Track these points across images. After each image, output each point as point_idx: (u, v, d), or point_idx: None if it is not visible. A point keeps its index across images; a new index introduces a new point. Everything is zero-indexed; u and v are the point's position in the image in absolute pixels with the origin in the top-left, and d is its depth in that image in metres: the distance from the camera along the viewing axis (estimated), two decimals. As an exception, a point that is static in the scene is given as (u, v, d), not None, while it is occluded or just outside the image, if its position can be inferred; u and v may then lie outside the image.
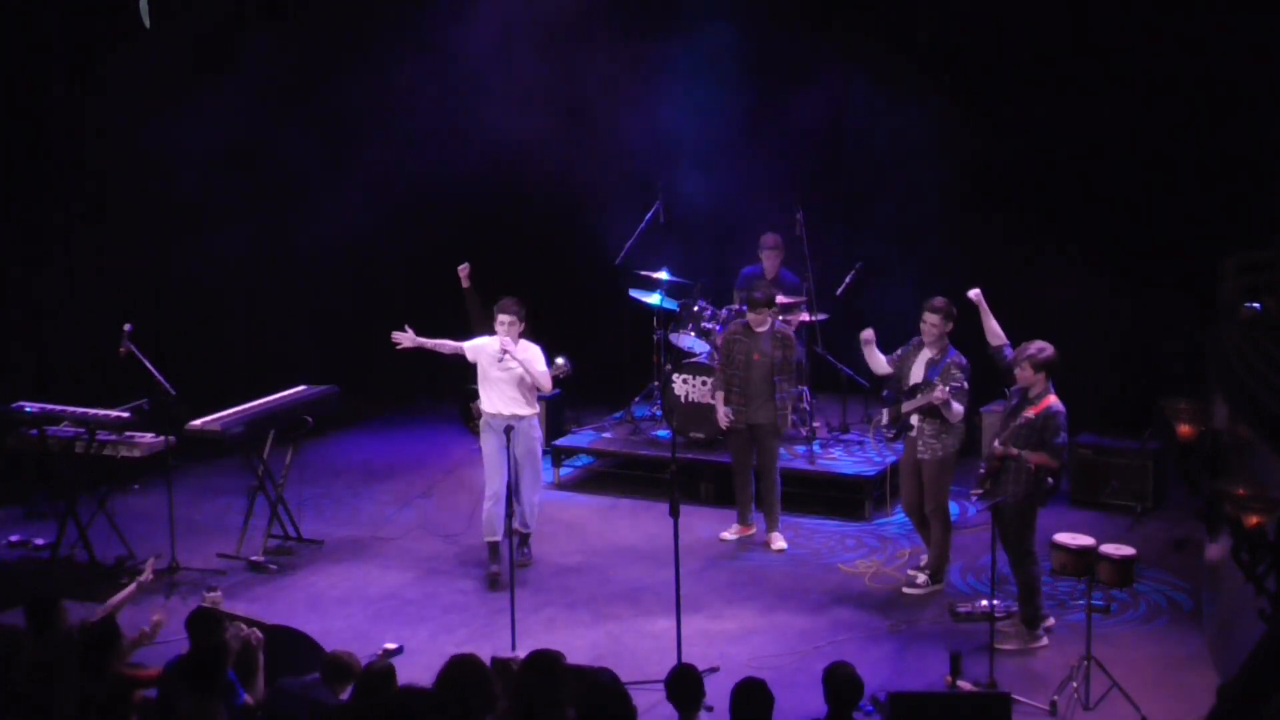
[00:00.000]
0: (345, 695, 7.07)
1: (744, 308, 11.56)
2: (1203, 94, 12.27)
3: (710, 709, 7.75)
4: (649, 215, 13.36)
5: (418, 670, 7.66)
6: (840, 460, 12.48)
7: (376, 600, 10.55)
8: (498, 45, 14.12)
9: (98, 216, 13.39)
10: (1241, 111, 11.98)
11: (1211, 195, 12.21)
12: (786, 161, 13.91)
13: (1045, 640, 9.59)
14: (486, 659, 6.94)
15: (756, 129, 14.08)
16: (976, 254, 13.13)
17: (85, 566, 10.81)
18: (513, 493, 10.63)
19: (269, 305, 14.81)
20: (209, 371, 13.07)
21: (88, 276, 13.37)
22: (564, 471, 13.09)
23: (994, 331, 10.02)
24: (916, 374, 10.34)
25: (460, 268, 11.68)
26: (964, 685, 8.80)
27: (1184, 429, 7.90)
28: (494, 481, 10.78)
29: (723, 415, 11.45)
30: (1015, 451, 9.40)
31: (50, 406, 11.06)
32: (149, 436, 10.90)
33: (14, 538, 11.54)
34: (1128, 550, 9.01)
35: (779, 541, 11.39)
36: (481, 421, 10.89)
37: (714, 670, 8.92)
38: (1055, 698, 8.71)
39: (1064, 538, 9.15)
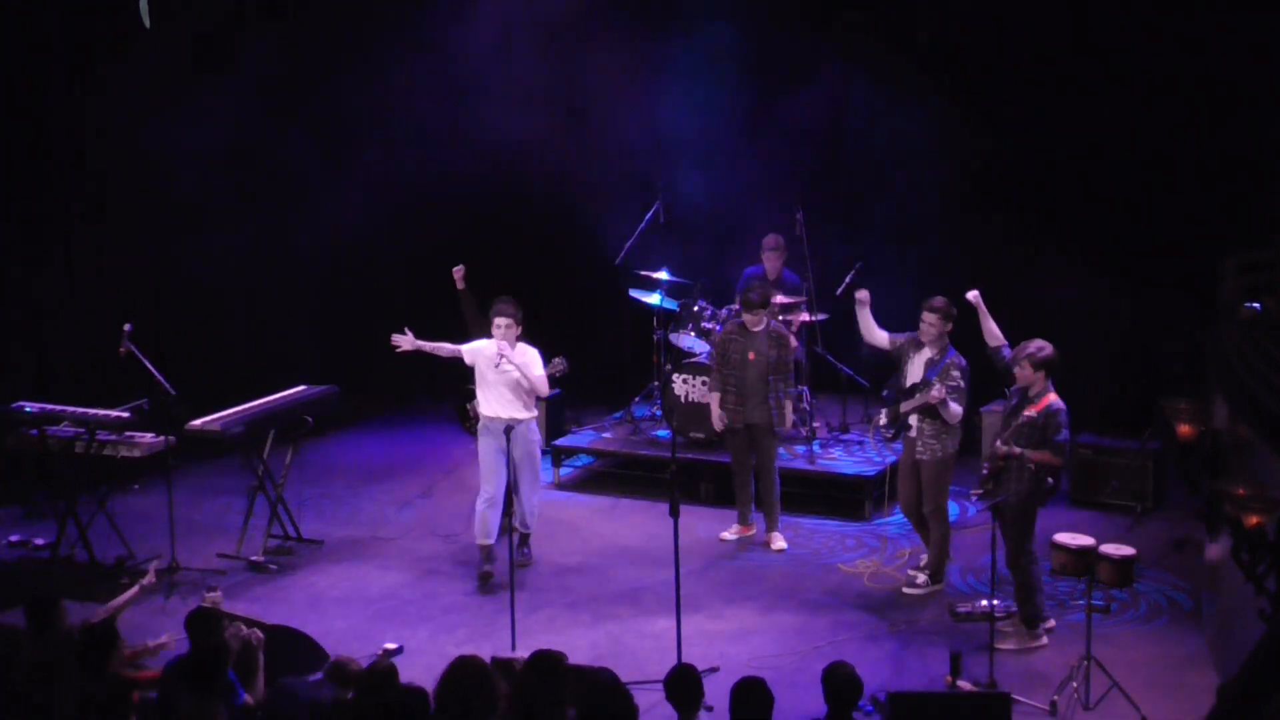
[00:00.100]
0: (347, 698, 7.07)
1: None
2: (1203, 94, 12.27)
3: (710, 709, 7.75)
4: (649, 215, 13.36)
5: (418, 670, 7.66)
6: (840, 460, 12.48)
7: (376, 600, 10.55)
8: (498, 45, 14.12)
9: (98, 216, 13.39)
10: (1241, 111, 11.99)
11: (1211, 195, 12.21)
12: (787, 161, 13.93)
13: (1045, 640, 9.59)
14: (486, 659, 6.94)
15: (756, 129, 14.09)
16: (976, 254, 13.13)
17: (85, 566, 10.81)
18: (512, 493, 10.61)
19: (269, 305, 14.81)
20: (209, 371, 13.07)
21: (88, 276, 13.37)
22: (564, 471, 13.09)
23: (992, 332, 10.02)
24: (915, 374, 10.34)
25: (455, 270, 11.66)
26: (964, 685, 8.80)
27: (1184, 429, 7.91)
28: (488, 484, 10.74)
29: (716, 419, 11.46)
30: (1018, 451, 9.40)
31: (50, 406, 11.06)
32: (149, 436, 10.90)
33: (14, 538, 11.54)
34: (1128, 550, 9.01)
35: (779, 541, 11.39)
36: (479, 424, 10.86)
37: (714, 670, 8.92)
38: (1055, 698, 8.71)
39: (1064, 538, 9.15)
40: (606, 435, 13.33)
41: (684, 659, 8.46)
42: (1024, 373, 9.53)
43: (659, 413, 13.10)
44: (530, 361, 10.68)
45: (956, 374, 10.13)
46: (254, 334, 14.67)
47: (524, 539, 11.05)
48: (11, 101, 12.68)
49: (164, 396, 10.70)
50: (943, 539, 10.53)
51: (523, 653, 7.20)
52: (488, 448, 10.74)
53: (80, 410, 10.90)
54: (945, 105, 13.28)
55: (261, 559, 11.08)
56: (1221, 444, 8.81)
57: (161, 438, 10.88)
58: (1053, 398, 9.47)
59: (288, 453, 11.50)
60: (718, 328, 12.47)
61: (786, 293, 12.70)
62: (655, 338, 13.27)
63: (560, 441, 13.21)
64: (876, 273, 13.19)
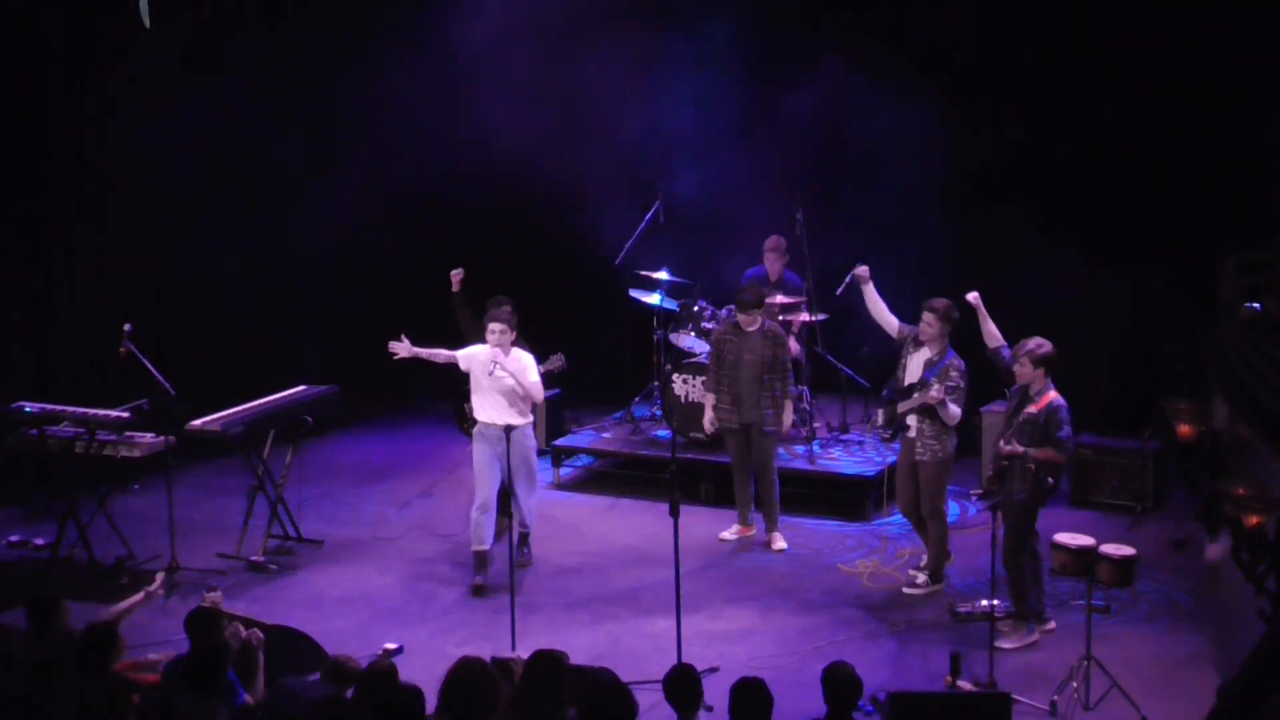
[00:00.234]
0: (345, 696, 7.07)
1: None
2: (1203, 94, 12.27)
3: (710, 709, 7.75)
4: (649, 215, 13.36)
5: (418, 670, 7.65)
6: (840, 460, 12.47)
7: (376, 600, 10.55)
8: (497, 45, 14.11)
9: (98, 216, 13.39)
10: (1241, 111, 11.98)
11: (1211, 195, 12.21)
12: (786, 160, 13.92)
13: (1035, 636, 9.60)
14: (486, 659, 6.94)
15: (756, 127, 14.08)
16: (976, 253, 13.13)
17: (85, 566, 10.81)
18: (509, 496, 10.58)
19: (269, 305, 14.81)
20: (209, 371, 13.07)
21: (88, 276, 13.37)
22: (564, 471, 13.08)
23: (992, 334, 10.04)
24: (913, 373, 10.35)
25: (454, 273, 11.64)
26: (964, 685, 8.79)
27: (1184, 429, 7.91)
28: (482, 490, 10.67)
29: (708, 421, 11.48)
30: (1021, 449, 9.40)
31: (50, 406, 11.06)
32: (149, 436, 10.90)
33: (14, 538, 11.53)
34: (1128, 550, 9.01)
35: (779, 541, 11.39)
36: (474, 429, 10.80)
37: (714, 670, 8.93)
38: (1055, 698, 8.71)
39: (1064, 538, 9.15)
40: (606, 435, 13.33)
41: (684, 659, 8.46)
42: (1024, 370, 9.54)
43: (659, 413, 13.10)
44: (525, 367, 10.62)
45: (955, 375, 10.13)
46: (254, 334, 14.67)
47: (524, 538, 11.04)
48: (11, 101, 12.68)
49: (164, 396, 10.70)
50: (942, 539, 10.53)
51: (523, 653, 7.20)
52: (482, 453, 10.68)
53: (80, 410, 10.90)
54: (945, 104, 13.28)
55: (261, 559, 11.08)
56: (1221, 444, 8.80)
57: (161, 438, 10.88)
58: (1053, 395, 9.48)
59: (288, 453, 11.50)
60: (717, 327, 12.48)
61: (789, 294, 12.70)
62: (655, 338, 13.27)
63: (560, 441, 13.21)
64: (876, 272, 13.19)
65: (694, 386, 12.42)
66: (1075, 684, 8.73)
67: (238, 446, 11.33)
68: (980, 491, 12.17)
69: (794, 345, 12.66)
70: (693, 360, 12.57)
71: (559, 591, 10.64)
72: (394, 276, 15.04)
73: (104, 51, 13.03)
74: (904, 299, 10.94)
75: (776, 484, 11.43)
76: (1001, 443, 9.57)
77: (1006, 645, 9.41)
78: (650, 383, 13.51)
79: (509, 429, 10.37)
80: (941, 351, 10.26)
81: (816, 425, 12.77)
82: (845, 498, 12.14)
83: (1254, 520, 6.64)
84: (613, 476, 13.11)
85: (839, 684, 6.78)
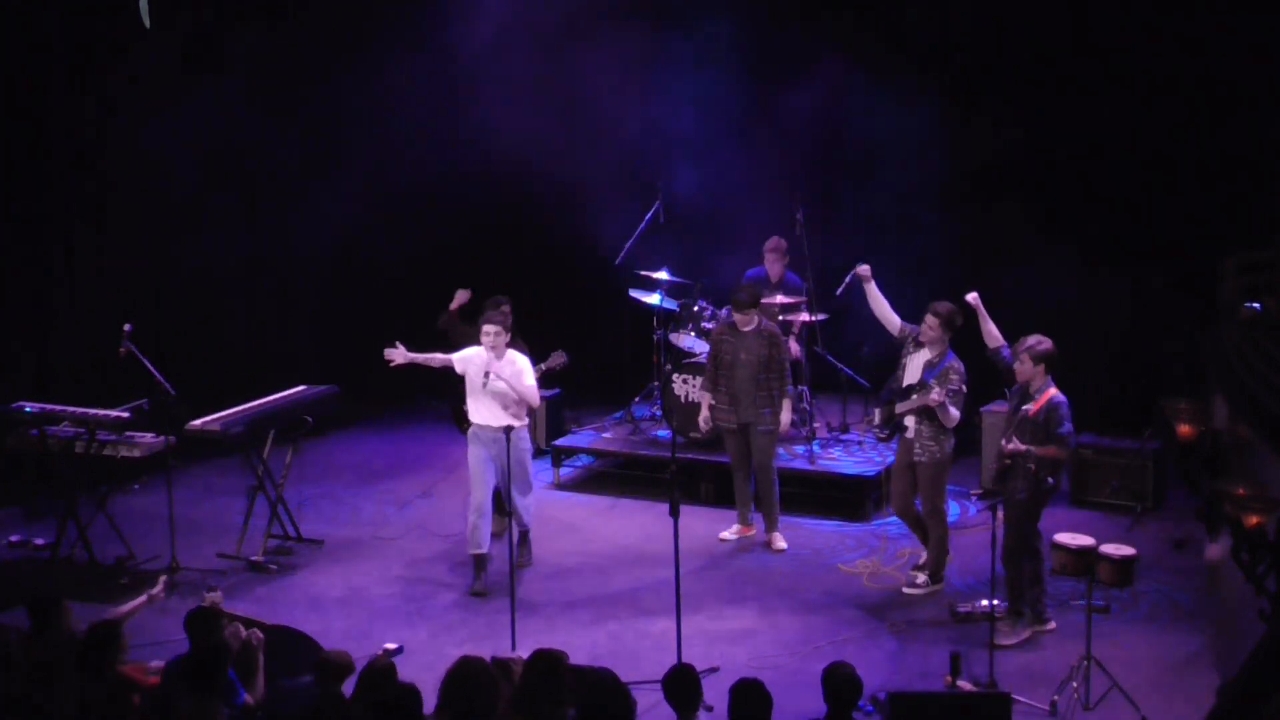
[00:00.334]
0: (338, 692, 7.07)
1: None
2: (1203, 94, 12.27)
3: (710, 709, 7.76)
4: (649, 215, 13.36)
5: (418, 670, 7.65)
6: (840, 460, 12.48)
7: (376, 600, 10.55)
8: (497, 45, 14.12)
9: (98, 216, 13.39)
10: (1241, 111, 11.98)
11: (1211, 195, 12.21)
12: (787, 161, 13.92)
13: (1028, 633, 9.61)
14: (486, 659, 6.95)
15: (757, 128, 14.09)
16: (976, 253, 13.14)
17: (85, 566, 10.82)
18: (505, 498, 10.54)
19: (269, 305, 14.81)
20: (209, 371, 13.07)
21: (88, 276, 13.37)
22: (564, 471, 13.08)
23: (992, 334, 10.05)
24: (912, 374, 10.35)
25: (461, 292, 11.53)
26: (964, 685, 8.79)
27: (1184, 429, 7.91)
28: (477, 493, 10.62)
29: (702, 420, 11.49)
30: (1023, 448, 9.41)
31: (50, 406, 11.06)
32: (149, 436, 10.90)
33: (14, 538, 11.54)
34: (1128, 550, 9.02)
35: (779, 541, 11.39)
36: (470, 431, 10.76)
37: (714, 670, 8.93)
38: (1055, 698, 8.71)
39: (1064, 538, 9.15)
40: (606, 435, 13.33)
41: (684, 659, 8.45)
42: (1024, 368, 9.55)
43: (659, 413, 13.10)
44: (520, 371, 10.55)
45: (955, 378, 10.13)
46: (254, 334, 14.67)
47: (523, 538, 11.01)
48: (11, 101, 12.68)
49: (164, 396, 10.71)
50: (941, 539, 10.53)
51: (522, 653, 7.20)
52: (476, 455, 10.63)
53: (80, 410, 10.90)
54: (945, 104, 13.29)
55: (261, 559, 11.08)
56: (1221, 444, 8.80)
57: (161, 438, 10.88)
58: (1053, 392, 9.49)
59: (288, 453, 11.50)
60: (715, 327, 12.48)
61: (789, 295, 12.70)
62: (655, 338, 13.27)
63: (560, 441, 13.21)
64: (876, 272, 13.19)
65: (694, 386, 12.42)
66: (1075, 684, 8.73)
67: (238, 446, 11.33)
68: (980, 491, 12.23)
69: (794, 346, 12.67)
70: (693, 360, 12.56)
71: (559, 591, 10.64)
72: (394, 276, 15.04)
73: (104, 51, 13.03)
74: (904, 299, 10.95)
75: (776, 484, 11.43)
76: (1003, 441, 9.57)
77: (1001, 641, 9.38)
78: (650, 383, 13.51)
79: (509, 430, 10.30)
80: (941, 353, 10.26)
81: (816, 425, 12.77)
82: (845, 498, 12.15)
83: (1254, 520, 6.64)
84: (613, 476, 13.11)
85: (839, 684, 6.79)
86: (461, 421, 11.41)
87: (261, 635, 7.75)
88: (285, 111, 14.22)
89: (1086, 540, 9.09)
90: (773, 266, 12.87)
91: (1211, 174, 12.28)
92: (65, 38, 12.93)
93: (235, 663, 7.29)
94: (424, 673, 7.01)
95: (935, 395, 10.02)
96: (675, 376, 12.56)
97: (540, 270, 14.69)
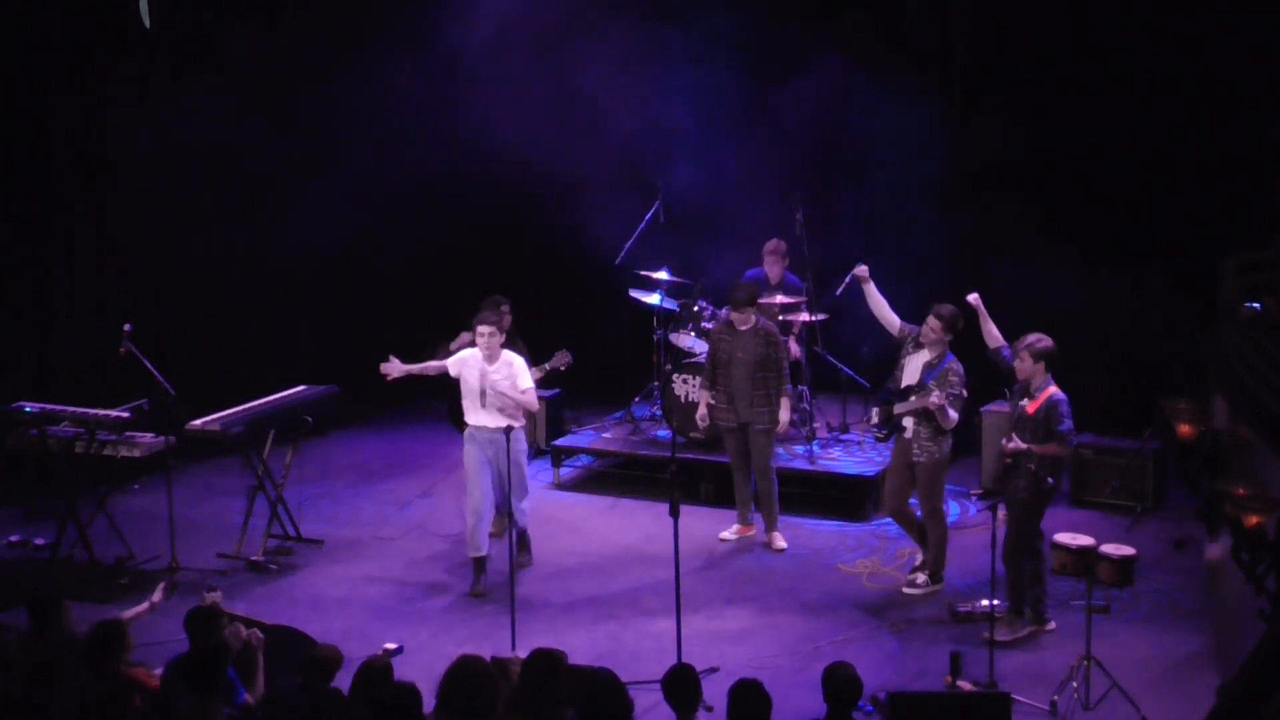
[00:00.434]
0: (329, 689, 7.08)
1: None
2: (1203, 94, 12.27)
3: (710, 709, 7.76)
4: (649, 215, 13.36)
5: (418, 670, 7.65)
6: (840, 460, 12.47)
7: (376, 600, 10.55)
8: (497, 45, 14.12)
9: (98, 216, 13.39)
10: (1241, 111, 11.98)
11: (1211, 195, 12.21)
12: (787, 161, 13.92)
13: (1029, 630, 9.62)
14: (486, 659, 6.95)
15: (757, 127, 14.09)
16: (976, 253, 13.14)
17: (85, 566, 10.81)
18: (503, 501, 10.52)
19: (269, 305, 14.81)
20: (209, 371, 13.06)
21: (88, 276, 13.37)
22: (564, 471, 13.08)
23: (993, 335, 10.05)
24: (911, 375, 10.34)
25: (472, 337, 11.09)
26: (964, 685, 8.79)
27: (1184, 429, 7.92)
28: (474, 496, 10.59)
29: (700, 418, 11.50)
30: (1024, 446, 9.41)
31: (50, 406, 11.06)
32: (149, 436, 10.90)
33: (14, 538, 11.54)
34: (1128, 550, 9.01)
35: (779, 541, 11.38)
36: (465, 433, 10.70)
37: (714, 670, 8.93)
38: (1055, 698, 8.71)
39: (1064, 538, 9.15)
40: (606, 435, 13.33)
41: (684, 659, 8.45)
42: (1023, 365, 9.56)
43: (659, 413, 13.09)
44: (517, 374, 10.48)
45: (955, 380, 10.13)
46: (254, 334, 14.67)
47: (522, 537, 10.97)
48: (11, 101, 12.68)
49: (164, 396, 10.71)
50: (941, 539, 10.53)
51: (522, 654, 7.20)
52: (473, 457, 10.58)
53: (80, 410, 10.90)
54: (945, 104, 13.29)
55: (261, 559, 11.08)
56: (1221, 444, 8.81)
57: (161, 438, 10.88)
58: (1053, 389, 9.49)
59: (288, 453, 11.50)
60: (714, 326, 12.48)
61: (789, 296, 12.69)
62: (655, 338, 13.27)
63: (560, 441, 13.21)
64: (875, 271, 13.20)
65: (694, 386, 12.41)
66: (1075, 684, 8.73)
67: (238, 446, 11.33)
68: (980, 491, 12.23)
69: (794, 347, 12.67)
70: (693, 360, 12.56)
71: (559, 591, 10.64)
72: (394, 276, 15.04)
73: (104, 51, 13.03)
74: (904, 298, 10.95)
75: (775, 483, 11.43)
76: (1004, 440, 9.57)
77: (1000, 637, 9.37)
78: (650, 383, 13.51)
79: (509, 430, 10.24)
80: (941, 355, 10.26)
81: (816, 425, 12.77)
82: (845, 498, 12.15)
83: (1254, 520, 6.64)
84: (613, 476, 13.11)
85: (839, 684, 6.79)
86: (459, 421, 11.41)
87: (261, 635, 7.75)
88: (285, 111, 14.21)
89: (1086, 540, 9.09)
90: (772, 268, 12.86)
91: (1211, 174, 12.28)
92: (65, 38, 12.93)
93: (235, 663, 7.29)
94: (424, 673, 7.00)
95: (935, 399, 10.02)
96: (675, 376, 12.55)
97: (540, 270, 14.69)
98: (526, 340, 11.80)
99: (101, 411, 10.84)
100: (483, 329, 10.43)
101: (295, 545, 11.44)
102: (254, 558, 11.06)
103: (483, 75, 14.21)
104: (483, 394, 10.41)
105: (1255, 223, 10.56)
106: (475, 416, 10.56)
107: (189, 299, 13.91)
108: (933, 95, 13.36)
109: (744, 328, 11.23)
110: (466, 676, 6.50)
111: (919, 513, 10.59)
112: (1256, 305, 8.64)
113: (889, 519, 11.67)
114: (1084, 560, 8.94)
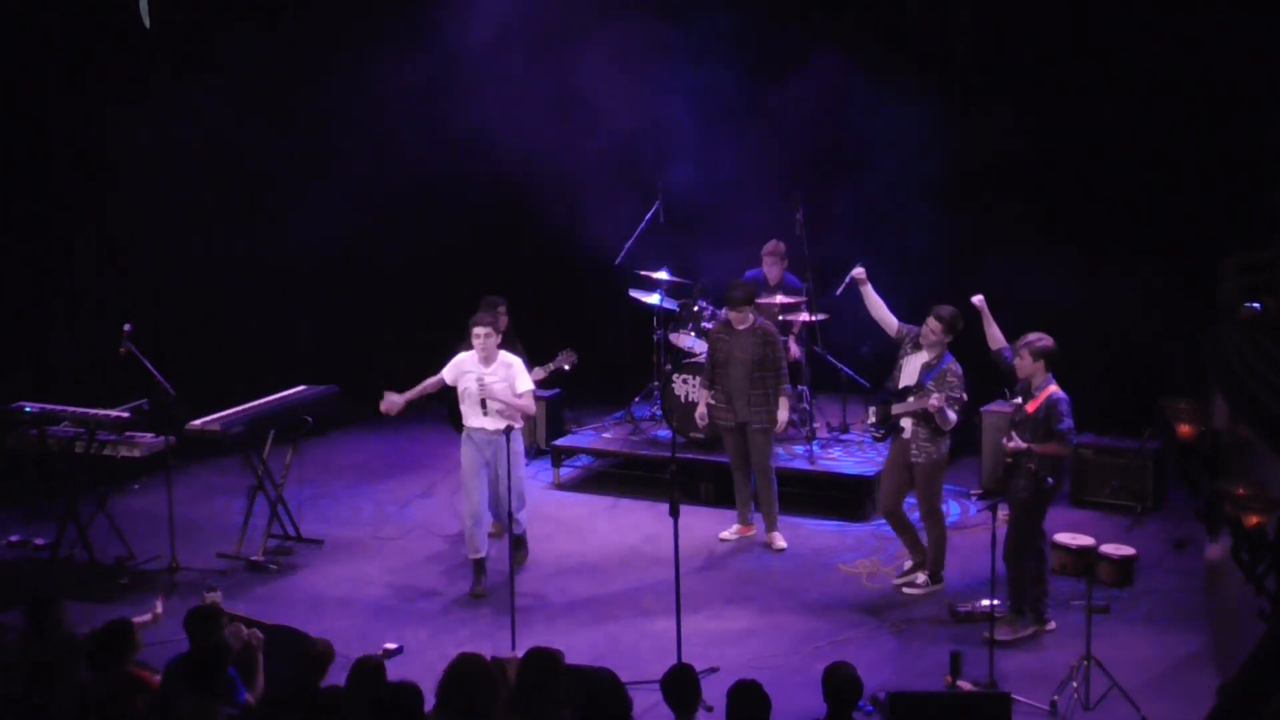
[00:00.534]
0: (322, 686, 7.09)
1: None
2: (1203, 94, 12.27)
3: (710, 709, 7.76)
4: (649, 215, 13.36)
5: (418, 670, 7.63)
6: (840, 460, 12.47)
7: (376, 600, 10.55)
8: (497, 45, 14.11)
9: (98, 216, 13.39)
10: (1241, 111, 11.98)
11: (1211, 195, 12.21)
12: (786, 160, 13.92)
13: (1031, 629, 9.63)
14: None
15: (757, 127, 14.08)
16: (976, 253, 13.13)
17: (85, 566, 10.81)
18: (500, 501, 10.50)
19: (269, 305, 14.81)
20: (209, 371, 13.06)
21: (88, 276, 13.37)
22: (564, 471, 13.08)
23: (995, 336, 10.06)
24: (909, 376, 10.34)
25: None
26: (964, 685, 8.80)
27: (1184, 429, 7.93)
28: (471, 498, 10.57)
29: (698, 416, 11.50)
30: (1024, 446, 9.41)
31: (50, 406, 11.06)
32: (149, 436, 10.90)
33: (14, 538, 11.54)
34: (1128, 550, 9.02)
35: (779, 541, 11.38)
36: (463, 434, 10.68)
37: (714, 670, 8.93)
38: (1055, 698, 8.71)
39: (1064, 538, 9.16)
40: (606, 435, 13.32)
41: (684, 659, 8.45)
42: (1024, 364, 9.56)
43: (659, 413, 13.09)
44: (515, 375, 10.45)
45: (954, 381, 10.13)
46: (254, 334, 14.66)
47: (521, 539, 10.94)
48: (11, 101, 12.68)
49: (164, 396, 10.71)
50: (940, 539, 10.53)
51: (521, 654, 7.20)
52: (470, 458, 10.57)
53: (80, 410, 10.90)
54: (944, 103, 13.28)
55: (261, 559, 11.08)
56: (1221, 444, 8.82)
57: (161, 438, 10.88)
58: (1053, 389, 9.49)
59: (288, 453, 11.50)
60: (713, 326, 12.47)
61: (789, 296, 12.69)
62: (655, 338, 13.27)
63: (560, 441, 13.20)
64: (875, 271, 13.19)
65: (694, 386, 12.41)
66: (1075, 684, 8.73)
67: (238, 446, 11.33)
68: (980, 491, 12.23)
69: (794, 347, 12.67)
70: (693, 360, 12.56)
71: (559, 591, 10.64)
72: (394, 276, 15.03)
73: (104, 51, 13.02)
74: (903, 298, 10.96)
75: (774, 483, 11.43)
76: (1004, 440, 9.57)
77: (1000, 636, 9.38)
78: (650, 383, 13.51)
79: (509, 430, 10.21)
80: (939, 356, 10.26)
81: (816, 425, 12.77)
82: (845, 498, 12.15)
83: (1254, 520, 6.65)
84: (613, 476, 13.11)
85: (839, 684, 6.79)
86: (456, 421, 11.41)
87: (261, 635, 7.75)
88: (285, 111, 14.21)
89: (1086, 540, 9.09)
90: (771, 270, 12.86)
91: (1211, 174, 12.28)
92: (65, 38, 12.92)
93: (235, 662, 7.29)
94: (424, 673, 7.00)
95: (934, 400, 10.02)
96: (675, 376, 12.55)
97: (540, 270, 14.68)
98: (526, 340, 11.80)
99: (101, 411, 10.84)
100: (478, 330, 10.39)
101: (295, 545, 11.44)
102: (254, 558, 11.06)
103: (482, 75, 14.20)
104: (483, 404, 10.39)
105: (1255, 223, 10.56)
106: (474, 419, 10.53)
107: (189, 299, 13.91)
108: (933, 95, 13.36)
109: (742, 327, 11.23)
110: (466, 675, 6.51)
111: (915, 514, 10.60)
112: (1256, 305, 8.66)
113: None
114: (1084, 560, 8.95)
